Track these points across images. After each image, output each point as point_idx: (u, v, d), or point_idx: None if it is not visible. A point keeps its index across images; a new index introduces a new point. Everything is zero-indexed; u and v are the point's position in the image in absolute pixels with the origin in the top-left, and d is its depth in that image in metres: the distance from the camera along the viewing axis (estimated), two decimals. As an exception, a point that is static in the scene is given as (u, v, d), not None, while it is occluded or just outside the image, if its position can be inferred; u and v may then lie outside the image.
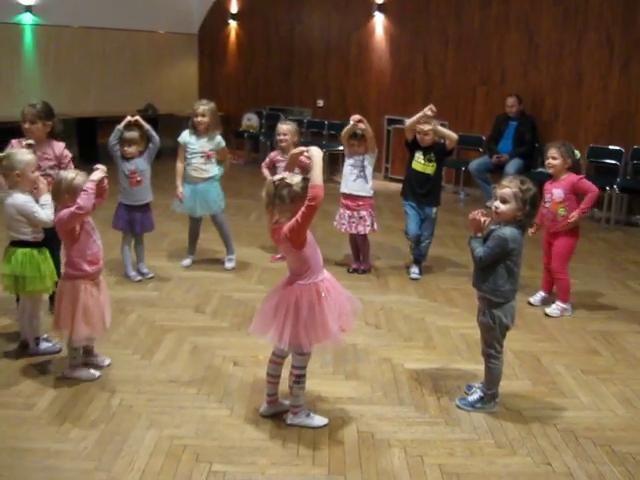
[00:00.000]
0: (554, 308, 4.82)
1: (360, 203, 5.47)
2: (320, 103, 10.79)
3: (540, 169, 7.56)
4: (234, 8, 11.62)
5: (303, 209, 2.91)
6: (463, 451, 3.10)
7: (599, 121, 7.98)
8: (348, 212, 5.50)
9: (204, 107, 5.37)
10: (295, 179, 3.02)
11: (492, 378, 3.45)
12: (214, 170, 5.49)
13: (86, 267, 3.53)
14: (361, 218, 5.47)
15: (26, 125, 4.23)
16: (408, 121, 5.41)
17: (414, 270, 5.60)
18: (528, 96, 8.37)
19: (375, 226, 5.54)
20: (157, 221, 5.55)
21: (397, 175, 9.42)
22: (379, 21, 9.85)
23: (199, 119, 5.36)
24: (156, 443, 3.08)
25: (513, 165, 7.89)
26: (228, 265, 5.70)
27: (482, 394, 3.47)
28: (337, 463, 2.98)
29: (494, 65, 8.79)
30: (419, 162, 5.41)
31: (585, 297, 5.19)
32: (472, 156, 8.75)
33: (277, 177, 3.07)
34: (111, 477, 2.83)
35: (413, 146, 5.43)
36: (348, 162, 5.50)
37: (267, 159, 5.80)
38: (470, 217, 3.37)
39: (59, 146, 4.37)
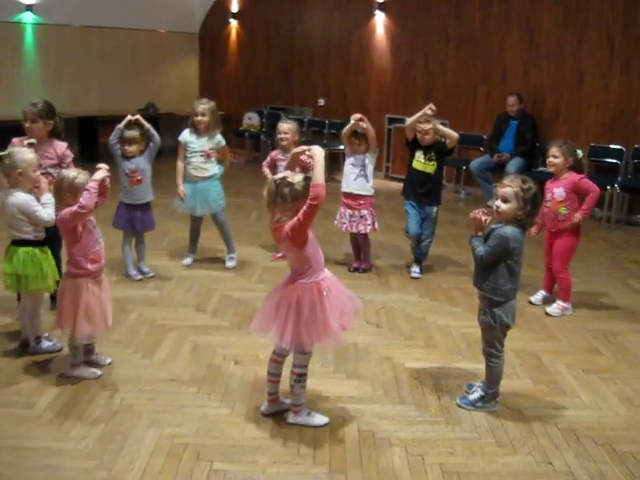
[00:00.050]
0: (555, 307, 4.82)
1: (361, 202, 5.46)
2: (321, 102, 10.78)
3: (541, 168, 7.56)
4: (235, 7, 11.62)
5: (305, 208, 2.91)
6: (464, 450, 3.10)
7: (600, 120, 7.97)
8: (349, 211, 5.50)
9: (204, 106, 5.37)
10: (297, 178, 3.02)
11: (493, 377, 3.44)
12: (214, 169, 5.49)
13: (88, 265, 3.53)
14: (362, 217, 5.47)
15: (27, 124, 4.22)
16: (408, 120, 5.41)
17: (415, 269, 5.60)
18: (529, 95, 8.37)
19: (376, 225, 5.54)
20: (158, 220, 5.56)
21: (398, 174, 9.42)
22: (380, 20, 9.85)
23: (199, 118, 5.35)
24: (157, 442, 3.08)
25: (514, 164, 7.88)
26: (229, 264, 5.70)
27: (483, 393, 3.47)
28: (338, 462, 2.98)
29: (495, 64, 8.79)
30: (419, 161, 5.41)
31: (586, 296, 5.18)
32: (473, 155, 8.74)
33: (279, 176, 3.08)
34: (112, 476, 2.83)
35: (414, 145, 5.43)
36: (349, 161, 5.50)
37: (268, 158, 5.81)
38: (471, 216, 3.37)
39: (61, 146, 4.36)
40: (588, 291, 5.32)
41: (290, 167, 3.26)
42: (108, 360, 3.85)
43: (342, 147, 5.85)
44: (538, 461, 3.03)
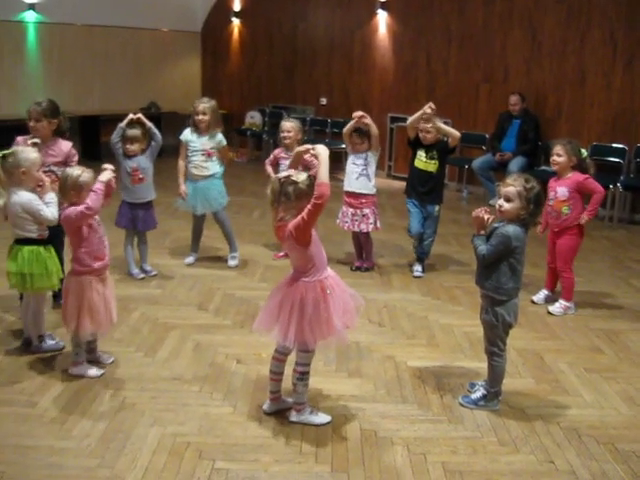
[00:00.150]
0: (557, 306, 4.82)
1: (363, 201, 5.46)
2: (323, 101, 10.78)
3: (543, 167, 7.56)
4: (237, 6, 11.61)
5: (309, 207, 2.92)
6: (466, 449, 3.10)
7: (602, 119, 7.96)
8: (351, 210, 5.49)
9: (205, 105, 5.37)
10: (301, 177, 3.02)
11: (495, 376, 3.44)
12: (215, 168, 5.49)
13: (92, 263, 3.54)
14: (364, 216, 5.46)
15: (31, 123, 4.23)
16: (409, 119, 5.41)
17: (417, 268, 5.60)
18: (531, 94, 8.36)
19: (378, 224, 5.53)
20: (160, 219, 5.56)
21: (400, 173, 9.42)
22: (382, 19, 9.84)
23: (200, 117, 5.36)
24: (159, 440, 3.09)
25: (516, 163, 7.88)
26: (231, 263, 5.70)
27: (485, 392, 3.47)
28: (340, 460, 2.98)
29: (497, 63, 8.78)
30: (421, 160, 5.41)
31: (588, 295, 5.18)
32: (475, 154, 8.74)
33: (283, 174, 3.07)
34: (114, 474, 2.84)
35: (415, 144, 5.43)
36: (351, 160, 5.49)
37: (271, 156, 5.81)
38: (473, 215, 3.36)
39: (66, 145, 4.37)
40: (590, 290, 5.31)
41: (293, 166, 3.27)
42: (110, 359, 3.86)
43: (344, 146, 5.84)
44: (540, 460, 3.03)
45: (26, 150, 3.72)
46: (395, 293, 5.19)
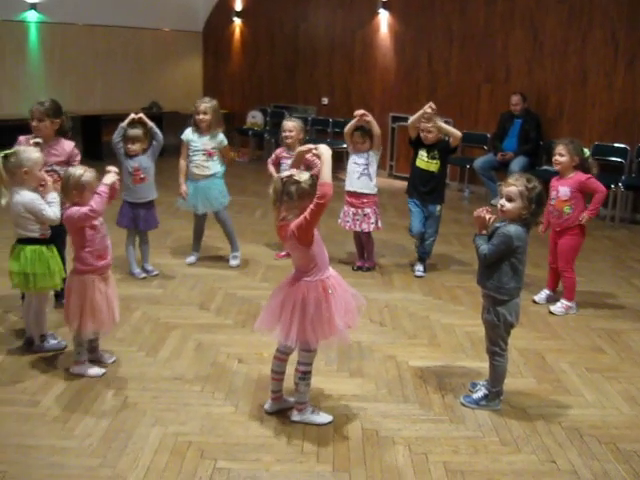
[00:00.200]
0: (559, 306, 4.81)
1: (364, 201, 5.46)
2: (325, 101, 10.78)
3: (545, 167, 7.55)
4: (239, 6, 11.62)
5: (312, 206, 2.92)
6: (467, 449, 3.10)
7: (604, 119, 7.95)
8: (352, 210, 5.49)
9: (206, 105, 5.37)
10: (303, 176, 3.02)
11: (497, 376, 3.44)
12: (216, 167, 5.49)
13: (94, 262, 3.55)
14: (365, 216, 5.46)
15: (34, 123, 4.24)
16: (410, 119, 5.41)
17: (418, 268, 5.60)
18: (533, 94, 8.35)
19: (379, 224, 5.53)
20: (161, 218, 5.57)
21: (402, 173, 9.42)
22: (384, 18, 9.84)
23: (201, 117, 5.36)
24: (161, 440, 3.09)
25: (518, 163, 7.88)
26: (233, 262, 5.70)
27: (487, 392, 3.47)
28: (341, 460, 2.98)
29: (499, 63, 8.77)
30: (423, 160, 5.41)
31: (590, 295, 5.18)
32: (477, 154, 8.74)
33: (285, 174, 3.08)
34: (116, 474, 2.84)
35: (417, 144, 5.43)
36: (352, 159, 5.49)
37: (273, 155, 5.81)
38: (475, 214, 3.36)
39: (69, 145, 4.38)
40: (592, 290, 5.31)
41: (295, 165, 3.27)
42: (112, 358, 3.86)
43: (346, 145, 5.84)
44: (542, 460, 3.03)
45: (28, 150, 3.73)
46: (396, 293, 5.19)
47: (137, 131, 5.07)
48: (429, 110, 5.16)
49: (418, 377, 3.78)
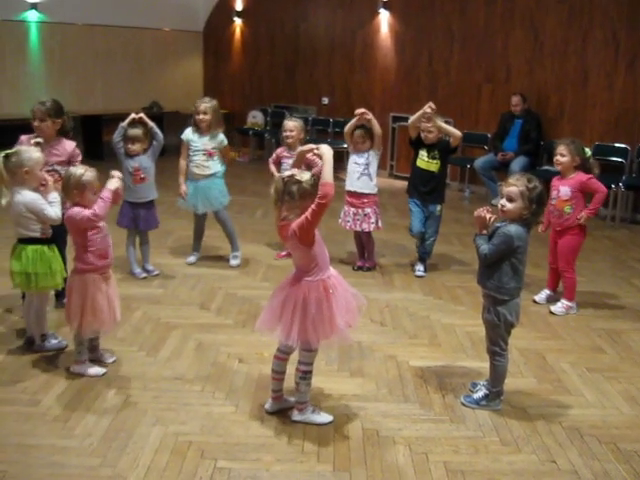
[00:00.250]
0: (559, 306, 4.81)
1: (365, 200, 5.46)
2: (325, 101, 10.78)
3: (546, 167, 7.56)
4: (239, 6, 11.62)
5: (313, 206, 2.92)
6: (468, 448, 3.10)
7: (605, 119, 7.96)
8: (353, 209, 5.50)
9: (206, 105, 5.37)
10: (305, 176, 3.03)
11: (497, 376, 3.44)
12: (216, 167, 5.49)
13: (95, 261, 3.55)
14: (366, 215, 5.47)
15: (36, 123, 4.24)
16: (410, 119, 5.41)
17: (419, 268, 5.60)
18: (533, 94, 8.35)
19: (380, 223, 5.54)
20: (162, 218, 5.57)
21: (402, 173, 9.43)
22: (384, 18, 9.84)
23: (201, 117, 5.36)
24: (161, 440, 3.09)
25: (518, 163, 7.88)
26: (233, 262, 5.70)
27: (487, 392, 3.47)
28: (342, 460, 2.98)
29: (499, 63, 8.78)
30: (423, 160, 5.41)
31: (590, 295, 5.18)
32: (477, 154, 8.74)
33: (286, 174, 3.08)
34: (116, 473, 2.84)
35: (417, 144, 5.43)
36: (352, 159, 5.50)
37: (274, 155, 5.81)
38: (475, 214, 3.36)
39: (70, 145, 4.38)
40: (592, 290, 5.31)
41: (296, 165, 3.27)
42: (113, 358, 3.86)
43: (346, 145, 5.84)
44: (542, 460, 3.03)
45: (29, 149, 3.74)
46: (397, 293, 5.19)
47: (137, 131, 5.07)
48: (429, 110, 5.16)
49: (418, 377, 3.78)
